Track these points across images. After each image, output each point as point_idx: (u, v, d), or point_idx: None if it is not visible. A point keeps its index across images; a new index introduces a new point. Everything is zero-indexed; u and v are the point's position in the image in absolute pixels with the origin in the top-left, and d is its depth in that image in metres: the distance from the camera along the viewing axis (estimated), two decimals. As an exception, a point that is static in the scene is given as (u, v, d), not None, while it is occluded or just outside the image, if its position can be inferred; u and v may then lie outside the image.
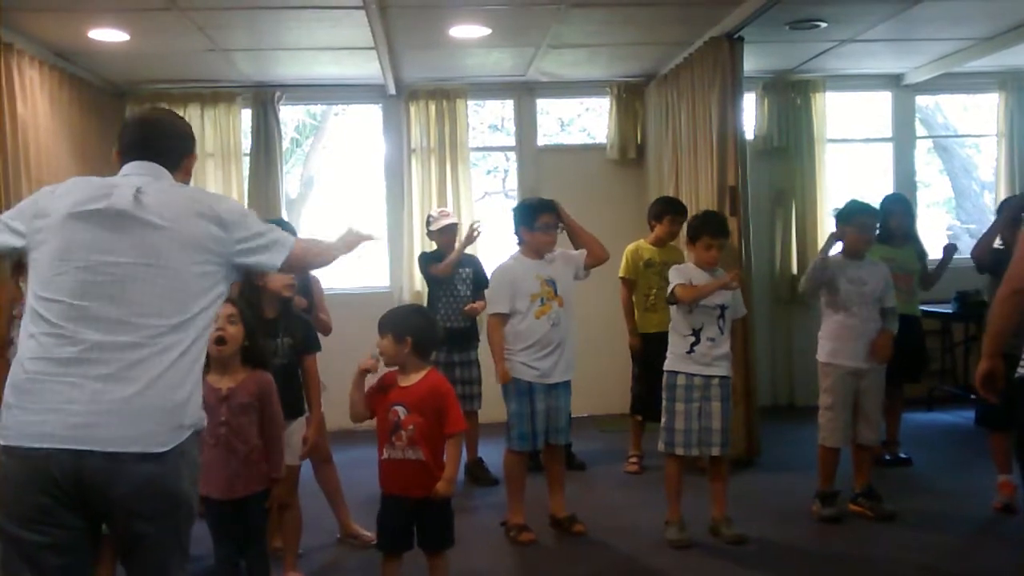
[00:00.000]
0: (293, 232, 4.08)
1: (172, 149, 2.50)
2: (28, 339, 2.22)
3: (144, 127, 2.50)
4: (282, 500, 3.62)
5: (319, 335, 4.13)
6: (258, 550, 3.33)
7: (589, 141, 9.83)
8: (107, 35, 5.43)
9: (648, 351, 5.45)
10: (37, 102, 5.33)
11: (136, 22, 5.26)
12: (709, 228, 4.39)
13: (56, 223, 2.26)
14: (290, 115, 9.97)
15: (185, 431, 2.24)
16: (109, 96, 6.77)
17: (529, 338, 4.41)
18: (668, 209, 5.58)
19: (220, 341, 3.15)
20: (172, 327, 2.23)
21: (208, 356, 3.18)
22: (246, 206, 6.86)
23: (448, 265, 5.43)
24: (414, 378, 3.38)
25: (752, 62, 6.02)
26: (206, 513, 3.27)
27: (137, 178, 2.36)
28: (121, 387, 2.15)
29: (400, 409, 3.34)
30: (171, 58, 6.18)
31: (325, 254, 2.76)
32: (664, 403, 4.40)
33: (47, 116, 5.49)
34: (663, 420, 4.40)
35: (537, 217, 4.46)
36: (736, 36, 5.65)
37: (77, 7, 4.97)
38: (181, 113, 6.85)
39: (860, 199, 4.84)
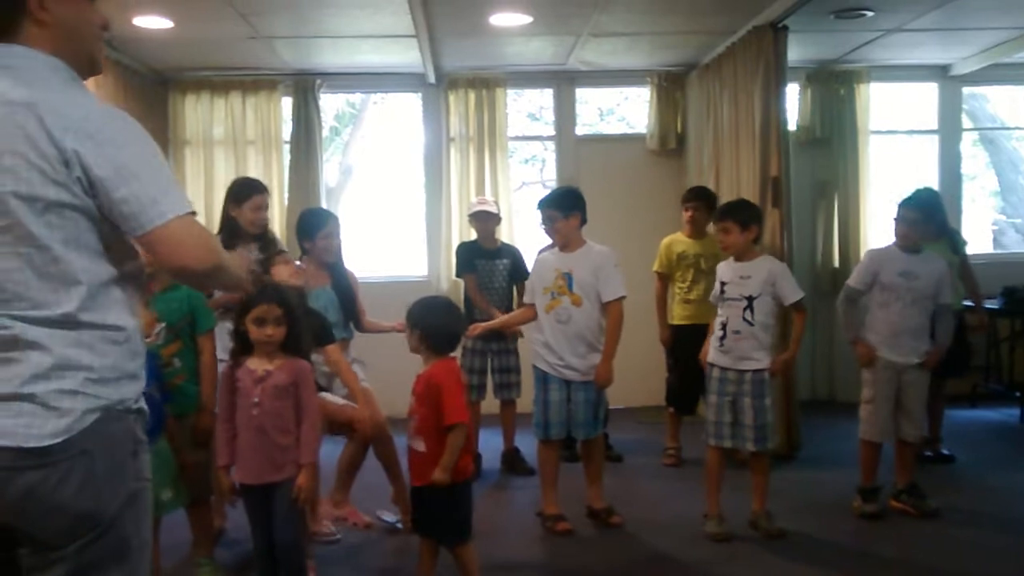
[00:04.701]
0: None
1: None
2: None
3: None
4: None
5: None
6: (287, 539, 3.24)
7: (628, 131, 9.77)
8: (152, 22, 5.47)
9: (681, 343, 5.47)
10: (82, 89, 5.36)
11: (180, 9, 5.30)
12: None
13: None
14: (329, 103, 10.00)
15: None
16: (152, 84, 6.83)
17: (541, 332, 4.43)
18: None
19: (267, 342, 3.22)
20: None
21: (251, 342, 3.24)
22: (286, 195, 6.98)
23: (481, 308, 5.40)
24: (424, 368, 3.42)
25: (795, 52, 5.93)
26: (242, 499, 3.30)
27: None
28: None
29: (412, 399, 3.39)
30: (214, 45, 6.22)
31: None
32: (706, 394, 4.39)
33: (92, 103, 5.50)
34: (706, 412, 4.38)
35: (541, 212, 4.51)
36: (780, 25, 5.58)
37: (123, -6, 5.02)
38: (223, 100, 6.93)
39: (921, 189, 4.81)
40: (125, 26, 5.52)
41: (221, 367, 3.45)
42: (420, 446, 3.34)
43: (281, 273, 3.82)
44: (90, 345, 1.73)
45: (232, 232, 4.41)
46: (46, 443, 1.66)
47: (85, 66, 1.87)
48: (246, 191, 4.43)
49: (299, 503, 3.23)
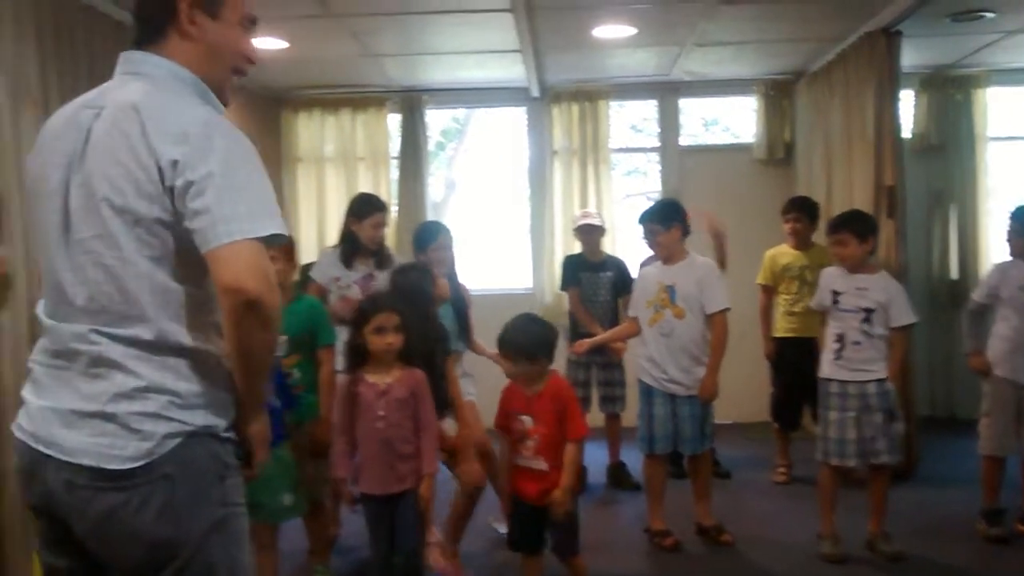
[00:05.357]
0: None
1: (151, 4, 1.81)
2: None
3: None
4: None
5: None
6: (409, 547, 3.30)
7: (733, 141, 9.63)
8: (268, 43, 5.65)
9: (785, 356, 5.42)
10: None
11: (296, 30, 5.46)
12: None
13: None
14: (434, 119, 10.16)
15: None
16: (266, 102, 7.06)
17: (645, 346, 4.40)
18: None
19: (387, 351, 3.28)
20: None
21: (368, 354, 3.31)
22: (395, 210, 7.11)
23: (584, 323, 5.44)
24: (538, 387, 3.41)
25: (909, 57, 5.73)
26: (363, 508, 3.37)
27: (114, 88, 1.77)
28: None
29: (526, 419, 3.38)
30: (325, 64, 6.39)
31: None
32: (819, 411, 4.26)
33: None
34: (819, 428, 4.26)
35: (642, 227, 4.50)
36: (894, 30, 5.42)
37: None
38: (333, 118, 7.12)
39: None
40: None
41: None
42: (542, 465, 3.34)
43: (444, 288, 3.99)
44: (175, 369, 1.67)
45: (352, 245, 4.54)
46: (128, 466, 1.62)
47: (213, 91, 1.85)
48: (368, 208, 4.56)
49: (421, 512, 3.30)
